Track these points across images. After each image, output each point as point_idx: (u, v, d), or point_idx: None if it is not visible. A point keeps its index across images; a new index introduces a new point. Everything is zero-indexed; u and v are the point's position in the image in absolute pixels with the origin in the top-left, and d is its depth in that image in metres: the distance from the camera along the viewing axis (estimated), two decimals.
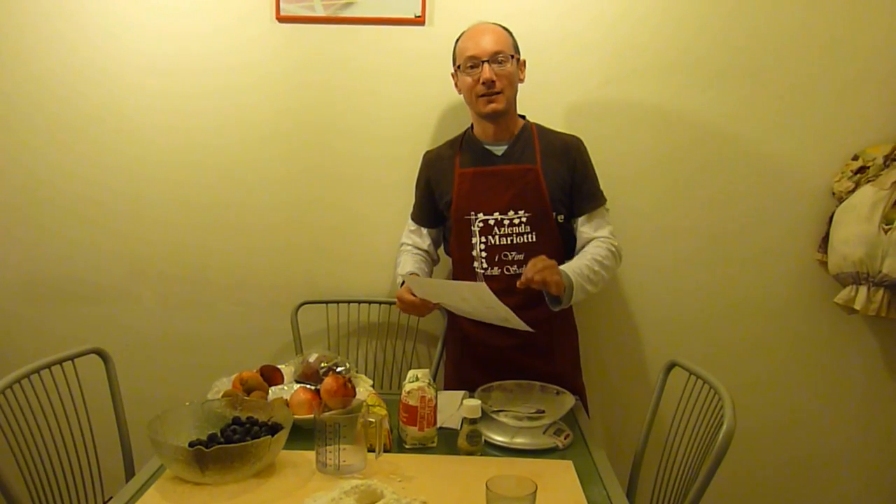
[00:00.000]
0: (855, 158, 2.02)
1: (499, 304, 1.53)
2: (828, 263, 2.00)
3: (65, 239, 2.19)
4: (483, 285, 1.51)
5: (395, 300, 1.73)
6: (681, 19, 2.03)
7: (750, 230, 2.11)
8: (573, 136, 1.85)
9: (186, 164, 2.15)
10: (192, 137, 2.14)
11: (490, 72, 1.70)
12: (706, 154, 2.08)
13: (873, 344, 2.13)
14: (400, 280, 1.78)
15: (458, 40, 1.79)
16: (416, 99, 2.10)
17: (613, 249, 1.77)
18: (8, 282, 2.21)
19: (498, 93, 1.72)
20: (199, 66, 2.10)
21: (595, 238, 1.78)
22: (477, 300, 1.57)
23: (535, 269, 1.56)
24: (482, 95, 1.73)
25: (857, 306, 1.92)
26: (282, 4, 2.04)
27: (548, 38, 2.04)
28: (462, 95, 1.81)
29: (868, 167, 1.97)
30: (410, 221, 1.97)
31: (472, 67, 1.73)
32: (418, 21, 2.04)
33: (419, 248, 1.93)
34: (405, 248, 1.94)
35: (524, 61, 1.80)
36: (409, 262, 1.88)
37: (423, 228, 1.94)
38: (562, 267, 1.66)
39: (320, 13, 2.05)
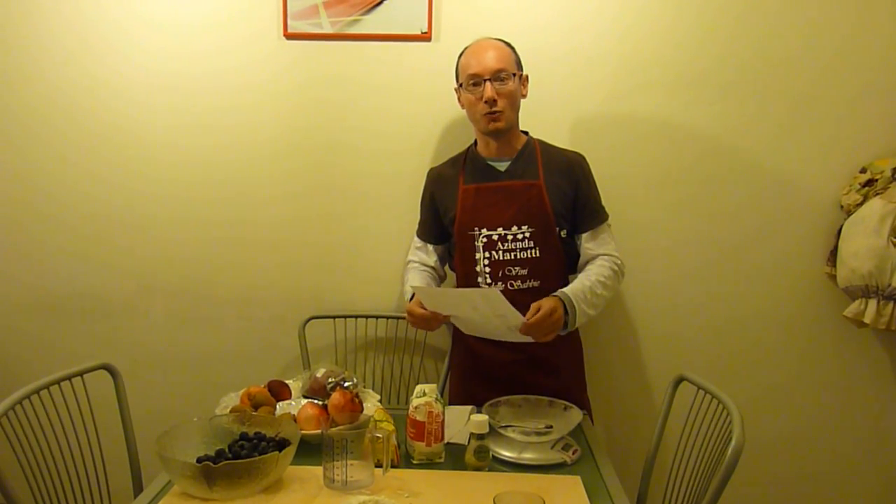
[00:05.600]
0: (863, 171, 2.01)
1: (511, 310, 1.53)
2: (836, 277, 1.99)
3: (73, 255, 2.20)
4: (495, 291, 1.51)
5: (405, 315, 1.73)
6: (686, 34, 2.04)
7: (758, 243, 2.10)
8: (576, 152, 1.86)
9: (194, 181, 2.17)
10: (199, 154, 2.15)
11: (492, 90, 1.71)
12: (712, 167, 2.08)
13: (883, 357, 2.11)
14: (409, 295, 1.78)
15: (460, 56, 1.81)
16: (422, 115, 2.11)
17: (616, 268, 1.78)
18: (16, 298, 2.23)
19: (500, 111, 1.73)
20: (206, 83, 2.12)
21: (599, 255, 1.78)
22: (488, 308, 1.57)
23: (538, 330, 1.59)
24: (484, 114, 1.74)
25: (867, 320, 1.90)
26: (289, 22, 2.07)
27: (553, 54, 2.05)
28: (464, 111, 1.83)
29: (876, 180, 1.97)
30: (417, 239, 1.97)
31: (474, 85, 1.74)
32: (425, 37, 2.06)
33: (426, 265, 1.93)
34: (412, 266, 1.94)
35: (527, 77, 1.81)
36: (416, 278, 1.88)
37: (429, 245, 1.94)
38: (565, 290, 1.67)
39: (328, 30, 2.07)
